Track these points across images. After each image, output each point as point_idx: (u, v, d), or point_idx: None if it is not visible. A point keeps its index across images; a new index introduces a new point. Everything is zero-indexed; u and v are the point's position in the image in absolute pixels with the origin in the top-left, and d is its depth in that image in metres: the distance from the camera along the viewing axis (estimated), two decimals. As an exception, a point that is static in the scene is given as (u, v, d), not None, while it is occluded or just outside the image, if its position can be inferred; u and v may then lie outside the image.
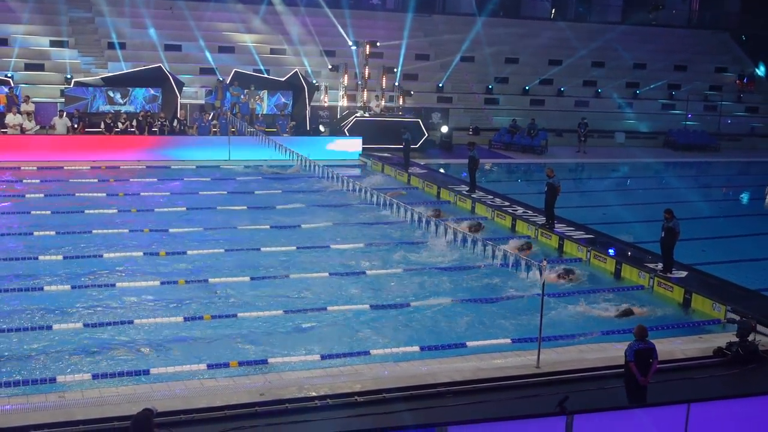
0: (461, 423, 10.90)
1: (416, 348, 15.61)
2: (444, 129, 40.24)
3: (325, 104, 39.52)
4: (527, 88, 47.70)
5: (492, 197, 28.08)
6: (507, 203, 27.29)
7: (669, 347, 15.51)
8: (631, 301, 18.55)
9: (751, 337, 15.36)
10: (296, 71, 38.64)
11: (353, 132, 37.03)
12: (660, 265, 20.09)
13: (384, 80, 39.84)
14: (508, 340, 16.02)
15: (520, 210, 26.29)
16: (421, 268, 20.74)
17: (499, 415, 11.75)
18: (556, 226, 24.01)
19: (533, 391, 13.55)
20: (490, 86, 47.11)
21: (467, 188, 28.92)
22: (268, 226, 23.79)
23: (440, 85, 45.84)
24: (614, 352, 14.70)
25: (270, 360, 14.77)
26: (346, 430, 11.97)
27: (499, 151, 40.75)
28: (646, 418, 11.38)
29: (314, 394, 13.29)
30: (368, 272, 20.11)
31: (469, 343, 15.79)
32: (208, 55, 41.55)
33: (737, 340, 15.33)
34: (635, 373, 12.54)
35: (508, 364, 14.64)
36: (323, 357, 15.09)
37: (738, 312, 17.22)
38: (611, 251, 21.82)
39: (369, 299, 18.29)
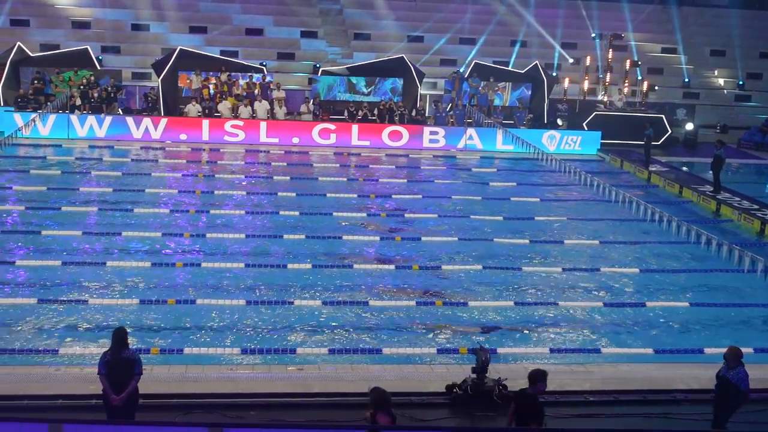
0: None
1: (650, 350, 15.05)
2: (689, 126, 38.50)
3: (564, 97, 38.87)
4: (783, 84, 44.67)
5: (739, 199, 26.52)
6: (756, 206, 25.69)
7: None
8: None
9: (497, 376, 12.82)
10: (536, 63, 38.30)
11: (592, 126, 36.22)
12: None
13: (627, 74, 38.66)
14: (750, 350, 15.07)
15: (770, 214, 24.69)
16: (658, 268, 20.00)
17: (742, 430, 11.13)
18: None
19: (778, 407, 12.72)
20: (740, 82, 44.50)
21: (711, 188, 27.51)
22: (501, 218, 23.78)
23: (686, 80, 43.84)
24: None
25: (499, 350, 14.76)
26: (575, 428, 11.78)
27: (748, 151, 38.42)
28: None
29: (543, 388, 13.17)
30: (602, 269, 19.62)
31: (708, 350, 15.00)
32: (449, 46, 42.11)
33: (474, 376, 12.79)
34: None
35: (751, 377, 13.78)
36: (552, 351, 14.92)
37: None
38: None
39: (602, 297, 17.87)
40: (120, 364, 10.69)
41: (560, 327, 16.19)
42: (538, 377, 10.32)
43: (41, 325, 15.21)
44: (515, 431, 10.36)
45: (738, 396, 11.26)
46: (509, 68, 39.63)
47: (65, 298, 16.34)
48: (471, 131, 34.19)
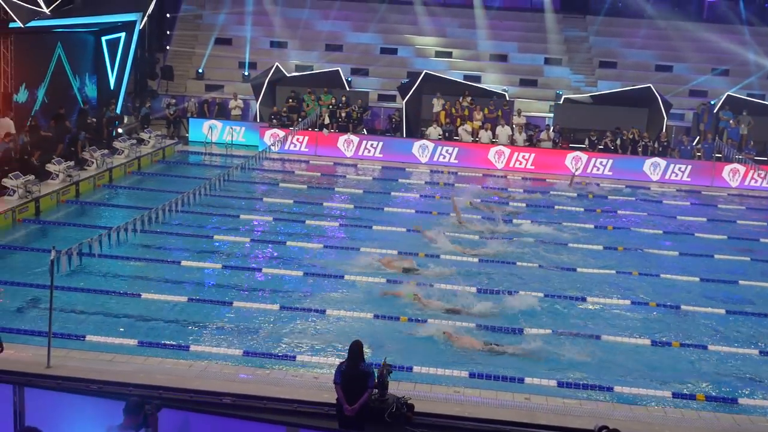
0: None
1: None
2: None
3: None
4: None
5: None
6: None
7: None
8: None
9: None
10: (796, 96, 35.91)
11: None
12: None
13: None
14: None
15: None
16: None
17: None
18: None
19: None
20: None
21: None
22: (748, 259, 22.44)
23: None
24: None
25: (740, 401, 13.94)
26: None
27: None
28: None
29: (789, 446, 12.31)
30: None
31: None
32: (701, 77, 40.36)
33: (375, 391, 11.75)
34: None
35: None
36: (802, 408, 13.89)
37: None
38: None
39: None
40: (355, 376, 11.06)
41: (811, 382, 15.05)
42: None
43: (282, 330, 16.04)
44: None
45: None
46: (766, 102, 37.34)
47: (305, 307, 17.15)
48: (720, 166, 32.57)
